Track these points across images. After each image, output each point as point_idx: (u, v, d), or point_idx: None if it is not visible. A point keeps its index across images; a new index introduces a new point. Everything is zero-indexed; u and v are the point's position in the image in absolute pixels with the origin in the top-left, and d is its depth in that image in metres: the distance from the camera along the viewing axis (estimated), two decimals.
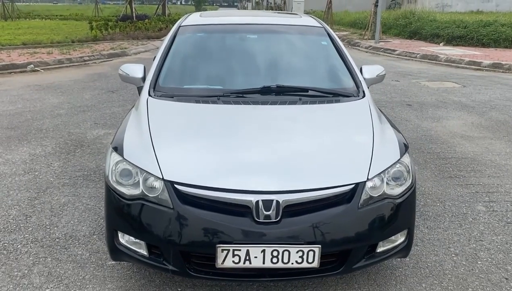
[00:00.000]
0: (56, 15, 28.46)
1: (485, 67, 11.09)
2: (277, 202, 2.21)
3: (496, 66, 10.99)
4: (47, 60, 10.45)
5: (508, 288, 2.70)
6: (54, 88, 8.00)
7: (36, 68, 9.87)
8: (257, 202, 2.21)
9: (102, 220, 3.37)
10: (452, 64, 11.74)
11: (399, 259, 2.92)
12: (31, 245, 3.07)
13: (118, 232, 2.43)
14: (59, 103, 6.89)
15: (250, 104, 2.97)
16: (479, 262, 2.96)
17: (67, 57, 11.02)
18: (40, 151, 4.85)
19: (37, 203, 3.66)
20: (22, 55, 11.17)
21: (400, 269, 2.86)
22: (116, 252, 2.47)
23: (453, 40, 15.35)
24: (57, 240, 3.14)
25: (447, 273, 2.84)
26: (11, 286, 2.65)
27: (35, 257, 2.93)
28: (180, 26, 3.79)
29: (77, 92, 7.72)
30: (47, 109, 6.53)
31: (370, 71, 3.54)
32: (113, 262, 2.84)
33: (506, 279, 2.80)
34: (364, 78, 3.42)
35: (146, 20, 19.47)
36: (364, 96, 3.18)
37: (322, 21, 4.10)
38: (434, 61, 12.23)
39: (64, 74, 9.44)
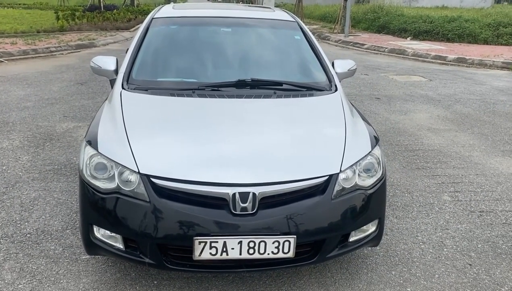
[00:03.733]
0: (19, 4, 27.44)
1: (450, 61, 11.44)
2: (254, 194, 2.25)
3: (460, 61, 11.35)
4: (11, 51, 10.10)
5: (472, 273, 2.85)
6: (20, 80, 7.76)
7: None
8: (234, 194, 2.24)
9: (75, 214, 3.33)
10: (419, 58, 12.05)
11: (370, 248, 3.02)
12: (1, 241, 3.01)
13: (94, 226, 2.42)
14: (26, 96, 6.70)
15: (225, 97, 2.99)
16: (445, 250, 3.10)
17: (32, 48, 10.67)
18: (7, 144, 4.72)
19: (6, 198, 3.58)
20: None
21: (371, 258, 2.97)
22: (92, 246, 2.46)
23: (420, 34, 15.72)
24: (28, 235, 3.09)
25: (415, 261, 2.96)
26: None
27: (6, 253, 2.88)
28: (153, 18, 3.76)
29: (44, 84, 7.52)
30: (13, 102, 6.33)
31: (342, 65, 3.61)
32: (88, 256, 2.82)
33: (470, 265, 2.94)
34: (336, 73, 3.49)
35: (115, 10, 19.03)
36: (336, 90, 3.26)
37: (295, 16, 4.15)
38: (401, 56, 12.51)
39: (30, 66, 9.15)
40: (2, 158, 4.37)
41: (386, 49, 13.19)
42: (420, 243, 3.17)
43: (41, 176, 3.98)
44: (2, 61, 9.46)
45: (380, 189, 2.58)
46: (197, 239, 2.21)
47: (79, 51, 11.40)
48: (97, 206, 2.36)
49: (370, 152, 2.61)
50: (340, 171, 2.43)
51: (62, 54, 10.87)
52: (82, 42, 12.28)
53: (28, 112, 5.88)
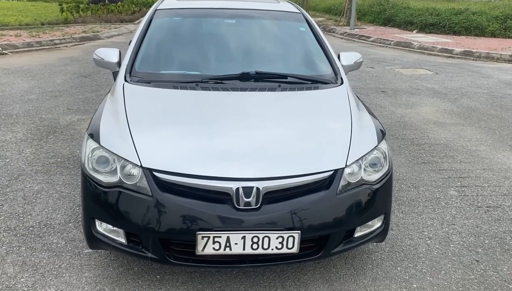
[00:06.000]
0: None
1: (457, 54, 11.32)
2: (257, 188, 2.21)
3: (467, 54, 11.23)
4: (16, 43, 10.09)
5: (479, 270, 2.80)
6: (24, 72, 7.75)
7: (3, 51, 9.51)
8: (237, 189, 2.21)
9: (78, 208, 3.31)
10: (425, 51, 11.93)
11: (375, 244, 2.98)
12: (4, 234, 3.00)
13: (96, 220, 2.39)
14: (30, 88, 6.68)
15: (229, 90, 2.94)
16: (452, 245, 3.06)
17: (36, 40, 10.66)
18: (11, 137, 4.70)
19: (9, 191, 3.56)
20: None
21: (376, 253, 2.93)
22: (94, 240, 2.43)
23: (426, 27, 15.58)
24: (31, 228, 3.07)
25: (421, 256, 2.92)
26: None
27: (8, 246, 2.86)
28: (156, 10, 3.71)
29: (48, 76, 7.50)
30: (17, 94, 6.32)
31: (348, 58, 3.55)
32: (90, 250, 2.80)
33: (477, 261, 2.90)
34: (342, 65, 3.43)
35: (119, 3, 18.99)
36: (342, 83, 3.20)
37: (300, 7, 4.08)
38: (407, 48, 12.40)
39: (34, 58, 9.14)
40: (6, 150, 4.35)
41: (392, 42, 13.07)
42: (426, 239, 3.13)
43: (44, 169, 3.97)
44: (6, 54, 9.45)
45: (386, 184, 2.53)
46: (200, 233, 2.18)
47: (83, 44, 11.38)
48: (99, 200, 2.33)
49: (376, 146, 2.57)
50: (346, 165, 2.39)
51: (66, 46, 10.86)
52: (86, 34, 12.25)
53: (32, 104, 5.86)
